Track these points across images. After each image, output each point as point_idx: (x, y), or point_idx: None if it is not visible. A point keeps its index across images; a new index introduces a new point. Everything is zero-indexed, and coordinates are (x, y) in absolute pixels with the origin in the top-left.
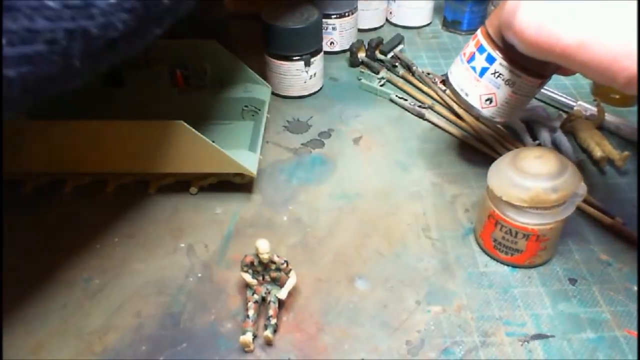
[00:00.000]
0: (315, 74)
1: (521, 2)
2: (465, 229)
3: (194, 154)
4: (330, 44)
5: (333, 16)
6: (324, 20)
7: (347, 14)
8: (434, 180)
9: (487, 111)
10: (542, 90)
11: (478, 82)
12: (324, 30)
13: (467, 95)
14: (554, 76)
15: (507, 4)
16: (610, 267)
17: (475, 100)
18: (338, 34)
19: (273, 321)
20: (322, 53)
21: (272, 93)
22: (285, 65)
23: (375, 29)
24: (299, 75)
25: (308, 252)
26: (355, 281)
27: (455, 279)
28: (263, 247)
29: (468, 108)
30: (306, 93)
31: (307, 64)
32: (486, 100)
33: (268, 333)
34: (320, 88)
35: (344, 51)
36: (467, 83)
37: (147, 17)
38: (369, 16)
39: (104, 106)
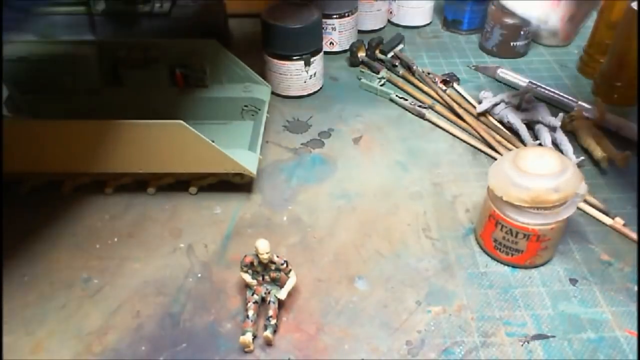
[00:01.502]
0: (315, 73)
1: None
2: (466, 229)
3: (194, 154)
4: (330, 44)
5: (333, 16)
6: (324, 20)
7: (347, 14)
8: (434, 180)
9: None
10: (543, 90)
11: None
12: (324, 30)
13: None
14: (555, 75)
15: None
16: (611, 267)
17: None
18: (338, 34)
19: (273, 321)
20: (322, 53)
21: (272, 93)
22: (285, 65)
23: (377, 30)
24: (298, 75)
25: (308, 252)
26: (355, 281)
27: (455, 279)
28: (263, 247)
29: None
30: (306, 93)
31: (307, 63)
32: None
33: (268, 333)
34: (320, 88)
35: (344, 51)
36: None
37: None
38: (371, 18)
39: (104, 106)
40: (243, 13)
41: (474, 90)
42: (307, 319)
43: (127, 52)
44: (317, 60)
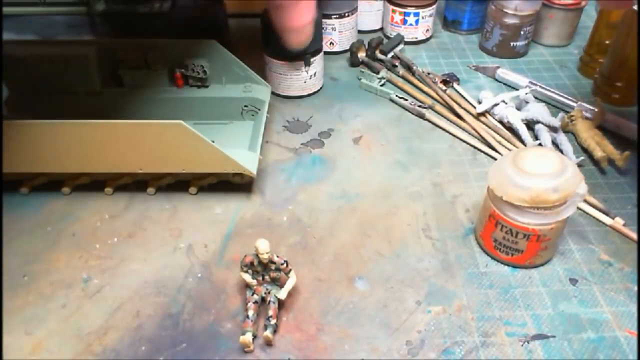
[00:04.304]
0: (315, 73)
1: None
2: (466, 229)
3: (194, 154)
4: (330, 44)
5: (333, 16)
6: (324, 20)
7: (347, 14)
8: (434, 180)
9: None
10: (543, 90)
11: None
12: (323, 30)
13: None
14: (555, 75)
15: None
16: (611, 267)
17: None
18: (338, 34)
19: (273, 321)
20: (322, 53)
21: (272, 93)
22: (285, 65)
23: (376, 30)
24: (298, 75)
25: (308, 252)
26: (355, 281)
27: (455, 279)
28: (263, 247)
29: None
30: (306, 93)
31: (307, 63)
32: None
33: (268, 333)
34: (320, 88)
35: (344, 51)
36: None
37: None
38: (370, 18)
39: (104, 106)
40: (243, 13)
41: (474, 90)
42: (307, 319)
43: (127, 52)
44: (317, 61)
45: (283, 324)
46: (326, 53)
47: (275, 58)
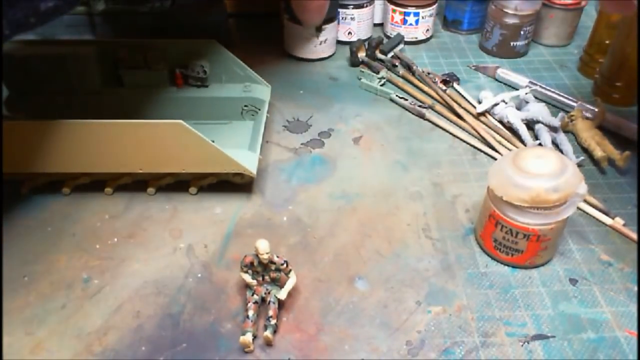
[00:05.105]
0: (325, 40)
1: None
2: (466, 229)
3: (194, 154)
4: (349, 33)
5: (351, 6)
6: (342, 10)
7: (365, 5)
8: (434, 180)
9: None
10: (543, 90)
11: None
12: (342, 20)
13: None
14: (555, 75)
15: None
16: (611, 267)
17: None
18: (356, 24)
19: (273, 322)
20: (334, 22)
21: (289, 55)
22: (299, 28)
23: (379, 24)
24: (310, 39)
25: (308, 252)
26: (355, 281)
27: (455, 280)
28: (263, 247)
29: None
30: (316, 57)
31: (318, 29)
32: None
33: (268, 333)
34: (332, 54)
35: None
36: None
37: None
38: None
39: (104, 106)
40: (243, 13)
41: (474, 90)
42: (307, 319)
43: (127, 52)
44: (329, 29)
45: (283, 324)
46: (345, 43)
47: (291, 21)
